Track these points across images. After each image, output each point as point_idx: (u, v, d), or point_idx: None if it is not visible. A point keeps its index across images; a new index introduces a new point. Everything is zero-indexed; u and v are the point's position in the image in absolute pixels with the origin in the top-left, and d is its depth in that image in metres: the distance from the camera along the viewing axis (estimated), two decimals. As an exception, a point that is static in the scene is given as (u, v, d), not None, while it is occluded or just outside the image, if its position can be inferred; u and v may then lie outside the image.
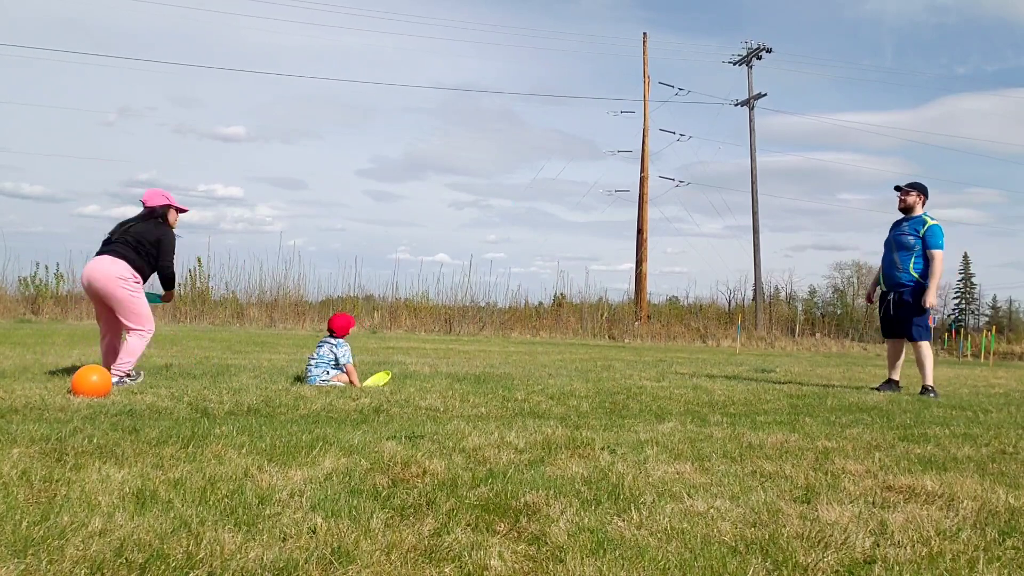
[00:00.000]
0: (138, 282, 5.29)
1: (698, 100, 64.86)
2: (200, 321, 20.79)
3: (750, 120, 30.87)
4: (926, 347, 6.91)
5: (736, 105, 31.36)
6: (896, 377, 7.16)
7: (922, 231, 6.81)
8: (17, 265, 26.11)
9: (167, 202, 5.51)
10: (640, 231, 28.76)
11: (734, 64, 31.28)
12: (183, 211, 5.66)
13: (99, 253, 5.30)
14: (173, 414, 3.96)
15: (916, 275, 6.82)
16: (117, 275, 5.17)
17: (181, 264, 24.96)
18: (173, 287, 5.62)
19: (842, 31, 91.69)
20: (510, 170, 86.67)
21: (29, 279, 20.71)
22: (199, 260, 22.19)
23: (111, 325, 5.41)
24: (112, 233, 5.40)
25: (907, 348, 7.13)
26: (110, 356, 5.40)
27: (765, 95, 30.72)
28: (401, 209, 78.42)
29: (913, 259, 6.84)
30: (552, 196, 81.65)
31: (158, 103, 79.28)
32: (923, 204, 7.00)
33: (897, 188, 7.09)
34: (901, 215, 7.08)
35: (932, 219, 6.88)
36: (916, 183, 7.07)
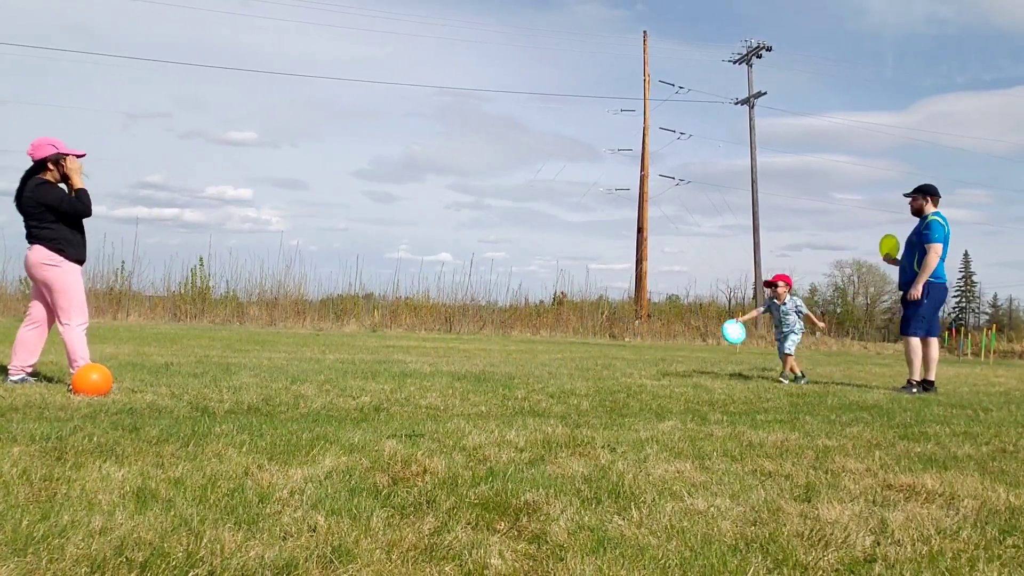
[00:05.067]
0: (63, 260, 4.90)
1: (698, 99, 65.03)
2: (200, 320, 20.80)
3: (750, 118, 30.85)
4: (916, 342, 6.99)
5: (736, 103, 31.35)
6: (931, 377, 7.06)
7: (923, 228, 6.96)
8: (18, 264, 26.18)
9: (55, 150, 4.87)
10: (640, 230, 28.74)
11: (734, 63, 31.25)
12: (79, 155, 4.98)
13: (26, 238, 4.93)
14: (173, 413, 3.96)
15: (917, 271, 6.97)
16: (41, 260, 4.86)
17: (182, 264, 24.86)
18: (85, 193, 4.91)
19: (839, 34, 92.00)
20: (509, 171, 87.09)
21: (28, 279, 20.72)
22: (200, 259, 22.21)
23: (47, 316, 5.05)
24: (19, 212, 4.92)
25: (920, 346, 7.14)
26: (25, 349, 4.99)
27: (765, 93, 30.72)
28: (401, 209, 78.74)
29: (916, 257, 6.96)
30: (551, 196, 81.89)
31: (164, 106, 79.74)
32: (932, 204, 7.03)
33: (906, 195, 7.23)
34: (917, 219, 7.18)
35: (934, 216, 6.95)
36: (921, 186, 7.15)
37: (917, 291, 6.86)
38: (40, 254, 4.88)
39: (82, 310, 5.02)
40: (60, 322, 4.95)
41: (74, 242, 4.97)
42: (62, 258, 4.90)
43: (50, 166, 4.91)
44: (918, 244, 6.97)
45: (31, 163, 4.93)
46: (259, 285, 22.62)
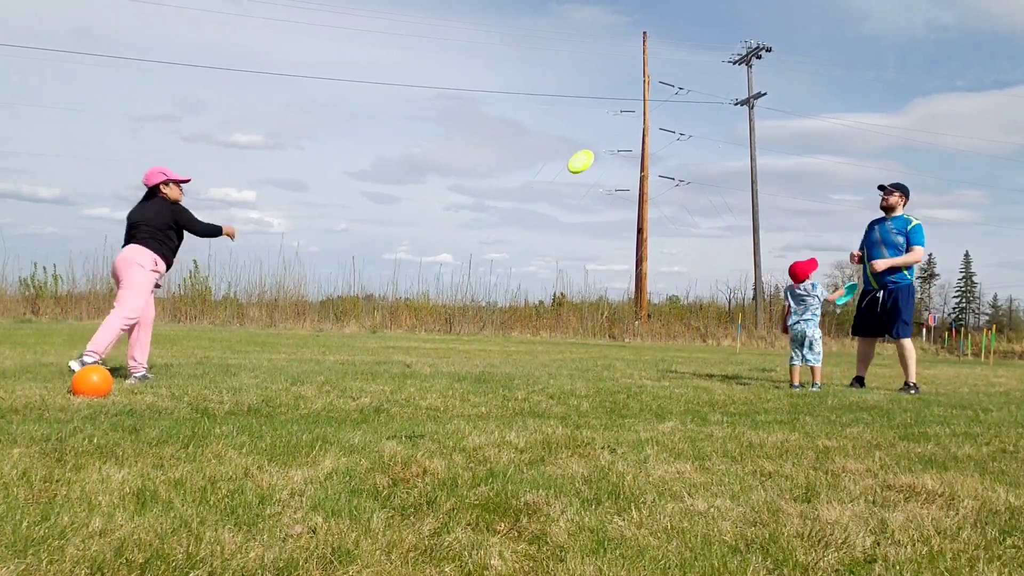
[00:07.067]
0: (156, 270, 5.48)
1: (698, 100, 65.12)
2: (200, 321, 20.79)
3: (750, 119, 30.87)
4: (910, 344, 7.15)
5: (736, 104, 31.37)
6: (864, 374, 7.41)
7: (908, 229, 7.04)
8: (17, 265, 26.24)
9: (164, 177, 5.59)
10: (640, 230, 28.75)
11: (734, 63, 31.27)
12: (184, 181, 5.73)
13: (126, 243, 5.52)
14: (173, 414, 3.96)
15: (906, 273, 7.06)
16: (137, 260, 5.40)
17: (181, 265, 25.04)
18: (219, 231, 5.82)
19: (836, 37, 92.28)
20: (509, 173, 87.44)
21: (28, 279, 20.75)
22: (195, 262, 22.22)
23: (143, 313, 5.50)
24: (129, 220, 5.55)
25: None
26: (136, 348, 5.50)
27: (765, 94, 30.73)
28: (402, 210, 78.93)
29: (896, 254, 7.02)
30: (551, 197, 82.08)
31: (168, 109, 79.95)
32: (904, 204, 7.21)
33: (881, 187, 7.25)
34: (881, 213, 7.25)
35: (916, 219, 7.11)
36: (900, 184, 7.25)
37: (884, 264, 6.91)
38: (135, 252, 5.42)
39: (138, 309, 5.43)
40: (117, 304, 5.42)
41: (166, 255, 5.58)
42: (152, 262, 5.45)
43: (163, 189, 5.58)
44: (903, 243, 7.00)
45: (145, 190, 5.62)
46: (259, 286, 22.64)
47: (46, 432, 3.10)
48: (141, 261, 5.41)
